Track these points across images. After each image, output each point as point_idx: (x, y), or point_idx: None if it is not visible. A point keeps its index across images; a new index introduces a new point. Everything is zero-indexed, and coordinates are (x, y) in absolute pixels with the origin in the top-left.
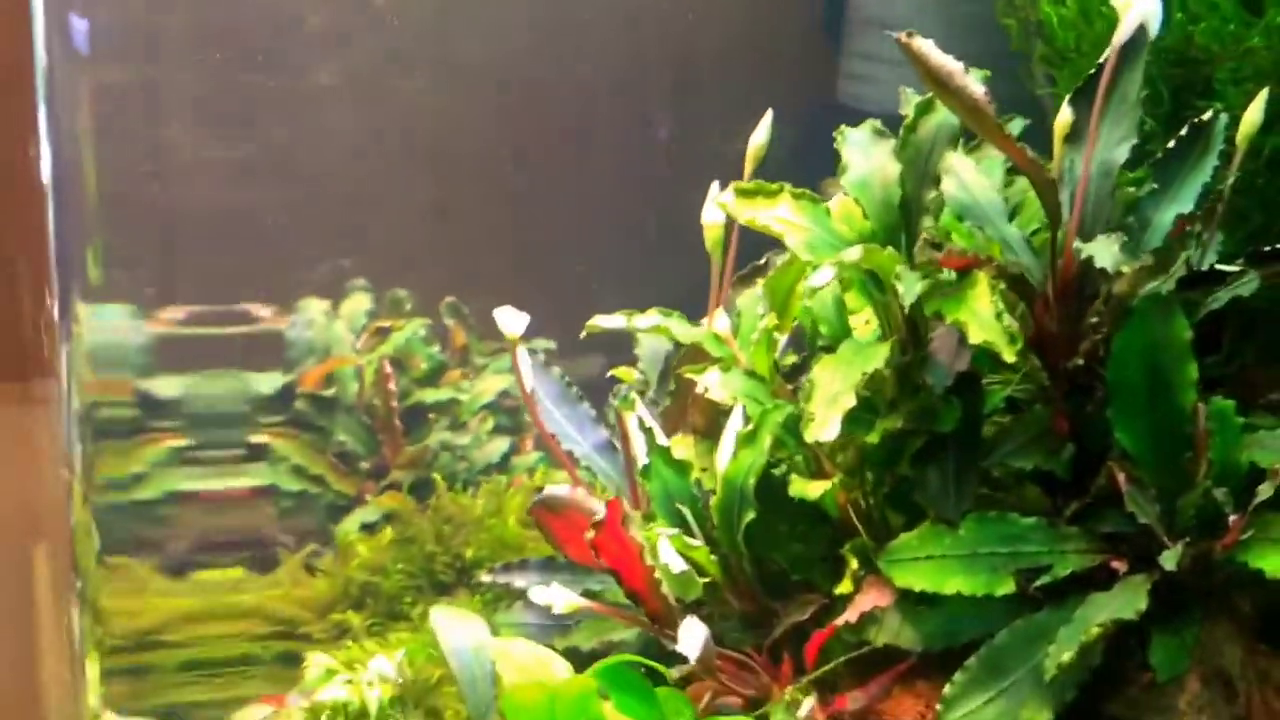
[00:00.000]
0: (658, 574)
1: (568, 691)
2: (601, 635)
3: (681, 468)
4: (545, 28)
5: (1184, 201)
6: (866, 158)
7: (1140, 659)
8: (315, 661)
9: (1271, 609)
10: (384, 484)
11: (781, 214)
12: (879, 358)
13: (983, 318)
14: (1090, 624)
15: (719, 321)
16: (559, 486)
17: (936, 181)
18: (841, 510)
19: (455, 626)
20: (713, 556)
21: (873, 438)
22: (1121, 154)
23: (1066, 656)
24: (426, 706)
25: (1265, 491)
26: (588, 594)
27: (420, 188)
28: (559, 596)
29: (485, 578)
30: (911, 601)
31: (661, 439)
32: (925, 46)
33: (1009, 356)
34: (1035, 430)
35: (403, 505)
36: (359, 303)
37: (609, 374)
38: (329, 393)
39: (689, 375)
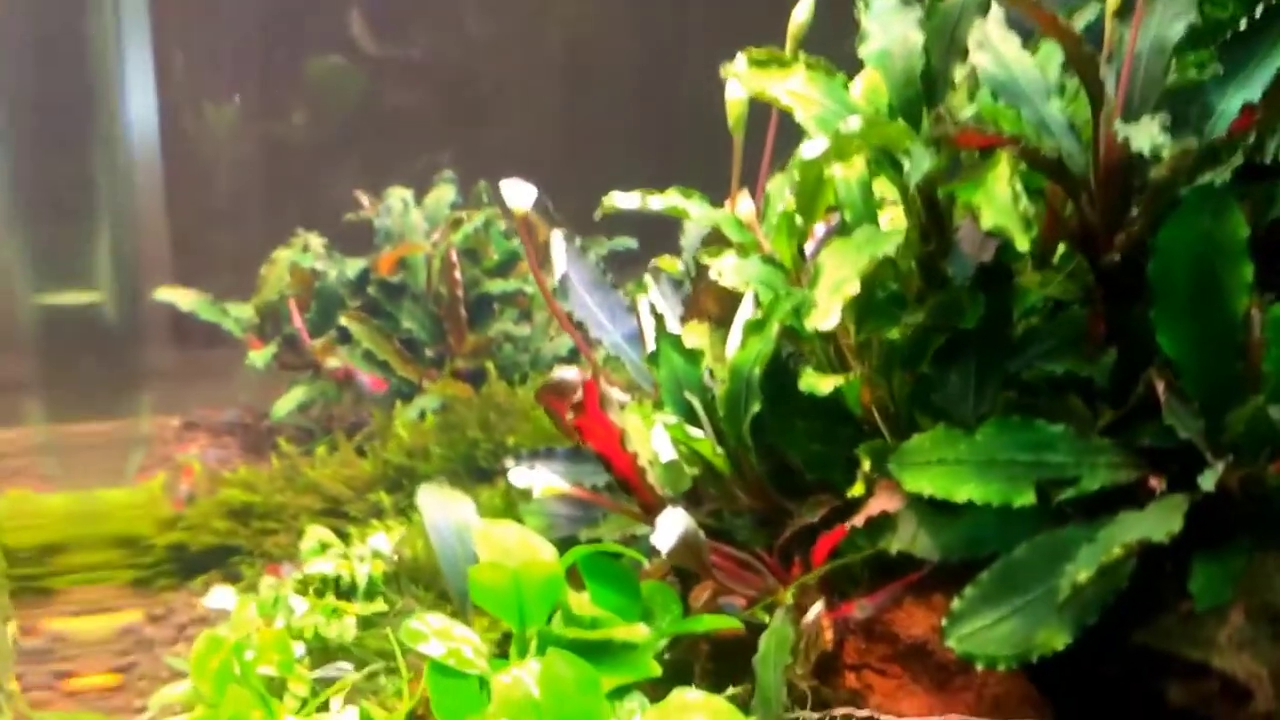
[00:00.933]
0: (642, 462)
1: (532, 574)
2: (625, 529)
3: (692, 356)
4: None
5: (1253, 88)
6: (887, 27)
7: (1180, 585)
8: (311, 534)
9: None
10: (447, 371)
11: (794, 86)
12: (890, 244)
13: (999, 201)
14: (1115, 544)
15: (741, 205)
16: (568, 370)
17: (965, 54)
18: (865, 410)
19: (439, 505)
20: (719, 450)
21: (894, 334)
22: (1177, 31)
23: (1083, 576)
24: (422, 584)
25: None
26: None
27: (543, 92)
28: (539, 479)
29: (510, 464)
30: (929, 509)
31: (673, 325)
32: None
33: (1023, 245)
34: (1070, 333)
35: (460, 392)
36: (444, 193)
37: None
38: (396, 279)
39: (704, 260)
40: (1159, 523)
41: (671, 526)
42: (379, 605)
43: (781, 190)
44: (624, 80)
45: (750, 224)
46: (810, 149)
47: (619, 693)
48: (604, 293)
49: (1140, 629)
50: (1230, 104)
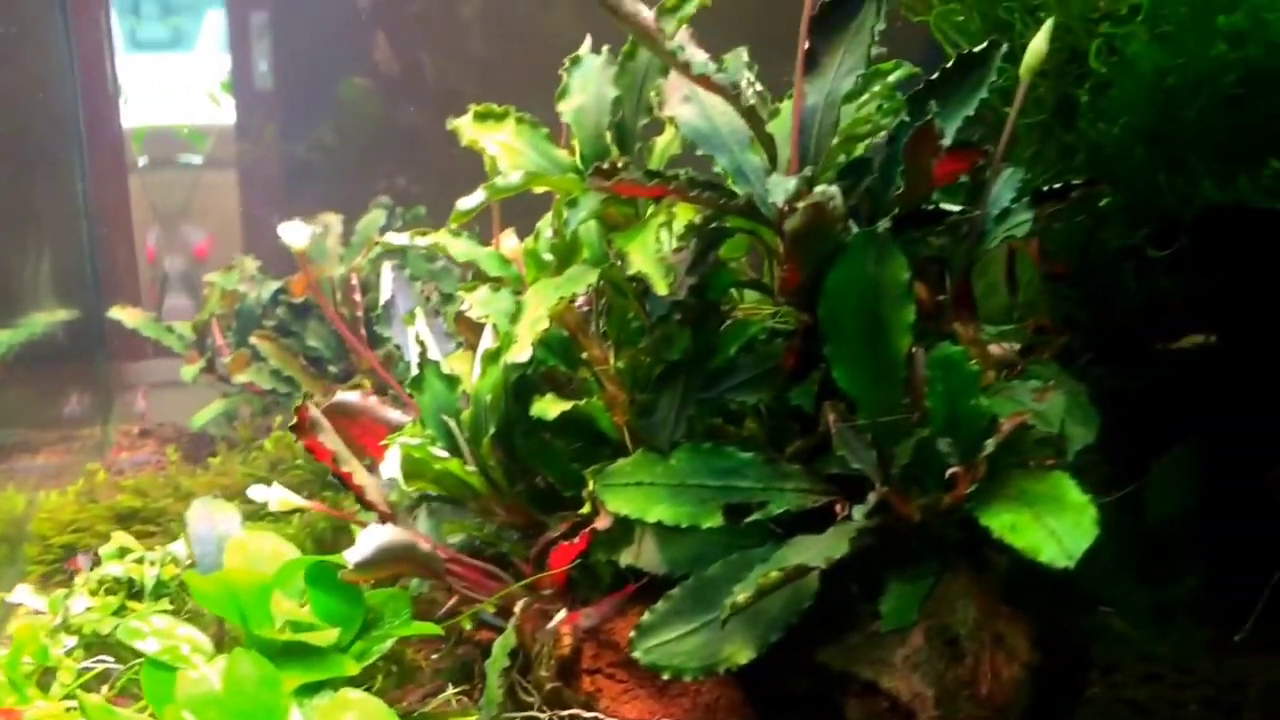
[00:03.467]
0: (358, 481)
1: (244, 581)
2: (470, 533)
3: (451, 382)
4: None
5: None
6: (585, 84)
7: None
8: (114, 538)
9: (1030, 567)
10: (349, 386)
11: (503, 138)
12: (582, 284)
13: (645, 249)
14: (776, 567)
15: (506, 242)
16: (351, 393)
17: (650, 110)
18: (619, 431)
19: (205, 518)
20: (469, 468)
21: (621, 363)
22: (848, 84)
23: (742, 598)
24: None
25: (990, 446)
26: None
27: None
28: (273, 495)
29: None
30: (659, 525)
31: (434, 353)
32: None
33: (662, 289)
34: (765, 365)
35: None
36: (375, 218)
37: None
38: (304, 301)
39: (461, 293)
40: (824, 548)
41: (367, 541)
42: (164, 605)
43: (546, 227)
44: None
45: (515, 259)
46: (468, 202)
47: (310, 689)
48: (428, 317)
49: (826, 646)
50: None
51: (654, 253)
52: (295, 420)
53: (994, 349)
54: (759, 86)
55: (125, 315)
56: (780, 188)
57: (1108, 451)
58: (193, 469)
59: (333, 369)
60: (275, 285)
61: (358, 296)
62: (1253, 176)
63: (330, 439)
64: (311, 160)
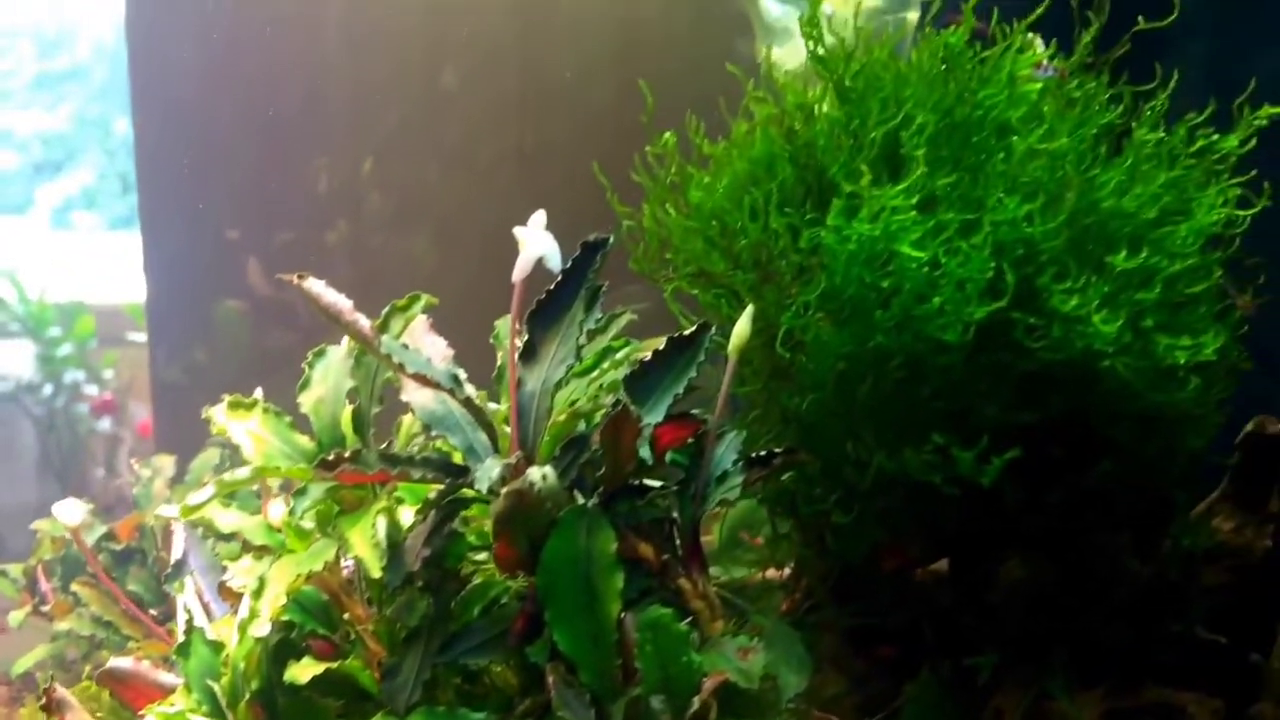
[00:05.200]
0: None
1: None
2: None
3: (216, 647)
4: None
5: (656, 412)
6: (325, 376)
7: None
8: None
9: None
10: (167, 628)
11: (251, 426)
12: (320, 560)
13: (363, 534)
14: None
15: (273, 509)
16: (123, 659)
17: (382, 399)
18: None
19: None
20: None
21: (375, 626)
22: (559, 373)
23: None
24: None
25: (696, 704)
26: None
27: None
28: None
29: None
30: None
31: (200, 620)
32: (317, 287)
33: (375, 572)
34: (499, 628)
35: (158, 649)
36: (209, 457)
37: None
38: (126, 545)
39: (225, 561)
40: None
41: None
42: None
43: None
44: None
45: (281, 527)
46: (197, 496)
47: None
48: (217, 575)
49: None
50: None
51: (369, 538)
52: (43, 704)
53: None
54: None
55: None
56: (486, 475)
57: (858, 682)
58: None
59: (154, 612)
60: (101, 530)
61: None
62: (917, 450)
63: (77, 716)
64: (180, 380)
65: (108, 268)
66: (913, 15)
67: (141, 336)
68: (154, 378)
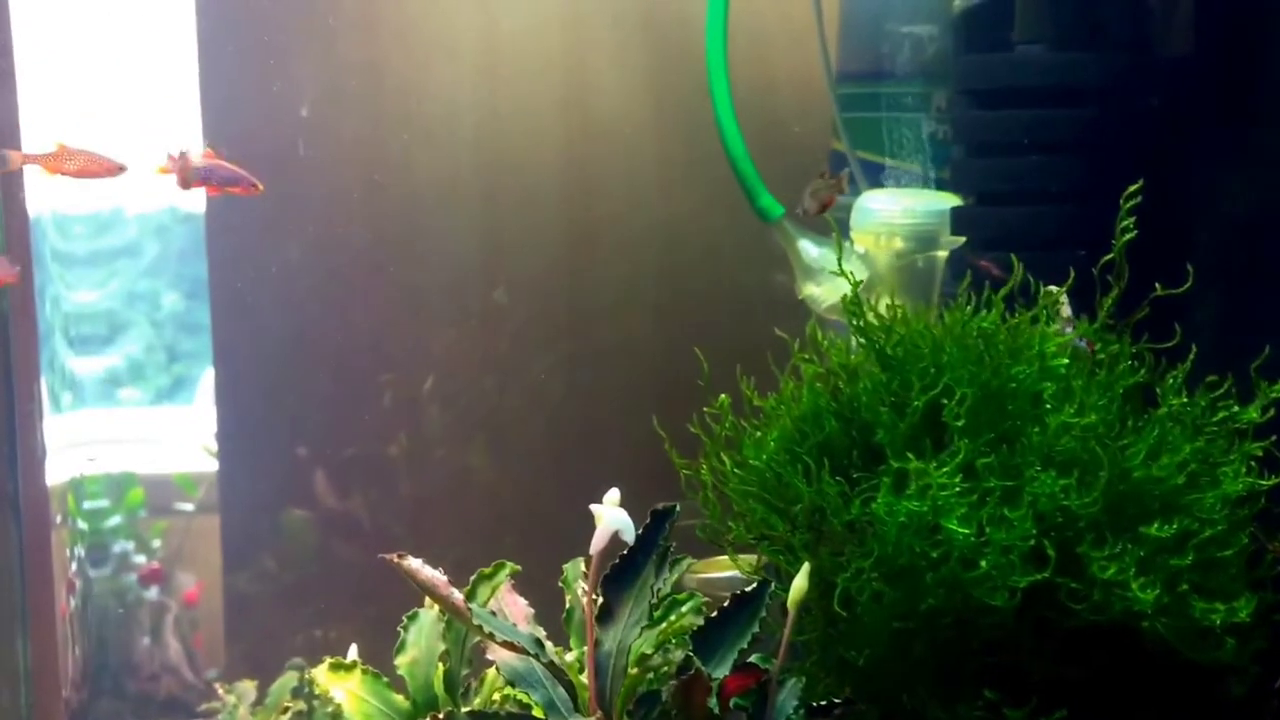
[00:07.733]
0: None
1: None
2: None
3: None
4: None
5: (724, 668)
6: (419, 639)
7: None
8: None
9: None
10: None
11: (351, 687)
12: None
13: None
14: None
15: None
16: None
17: (472, 662)
18: None
19: None
20: None
21: None
22: (634, 635)
23: None
24: None
25: None
26: None
27: None
28: None
29: None
30: None
31: None
32: (414, 564)
33: None
34: None
35: None
36: (287, 681)
37: None
38: None
39: None
40: None
41: None
42: None
43: None
44: None
45: None
46: None
47: None
48: None
49: None
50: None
51: None
52: None
53: None
54: None
55: None
56: None
57: None
58: None
59: None
60: None
61: None
62: (970, 705)
63: None
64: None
65: (154, 436)
66: (942, 254)
67: (189, 505)
68: (226, 585)
